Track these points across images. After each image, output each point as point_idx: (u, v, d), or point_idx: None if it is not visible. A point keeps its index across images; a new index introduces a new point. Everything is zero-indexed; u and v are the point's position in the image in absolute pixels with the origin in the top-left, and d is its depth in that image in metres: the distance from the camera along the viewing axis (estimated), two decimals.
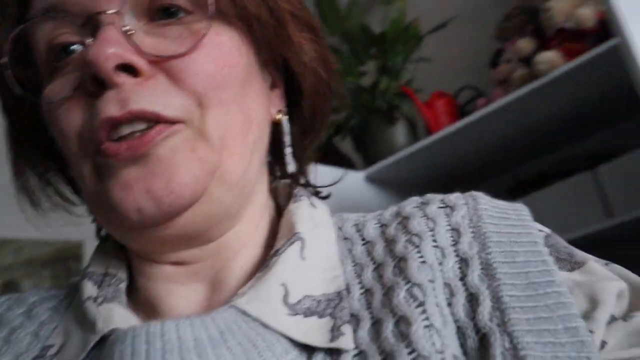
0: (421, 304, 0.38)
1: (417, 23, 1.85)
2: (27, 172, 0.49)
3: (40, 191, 0.50)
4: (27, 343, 0.45)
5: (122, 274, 0.47)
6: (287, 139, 0.50)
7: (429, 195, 0.50)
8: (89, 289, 0.45)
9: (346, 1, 2.00)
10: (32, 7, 0.42)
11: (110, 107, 0.38)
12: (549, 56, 1.53)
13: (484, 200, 0.48)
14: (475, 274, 0.41)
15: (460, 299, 0.40)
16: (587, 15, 1.50)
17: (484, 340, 0.37)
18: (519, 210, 0.47)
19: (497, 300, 0.39)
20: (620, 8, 1.15)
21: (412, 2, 2.00)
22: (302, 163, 0.53)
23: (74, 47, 0.41)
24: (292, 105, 0.51)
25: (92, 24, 0.39)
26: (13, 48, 0.43)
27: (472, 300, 0.40)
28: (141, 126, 0.38)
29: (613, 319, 0.39)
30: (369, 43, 1.86)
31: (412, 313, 0.38)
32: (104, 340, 0.40)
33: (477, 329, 0.38)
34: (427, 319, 0.38)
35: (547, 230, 0.47)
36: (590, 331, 0.37)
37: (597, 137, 1.75)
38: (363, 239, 0.47)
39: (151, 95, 0.39)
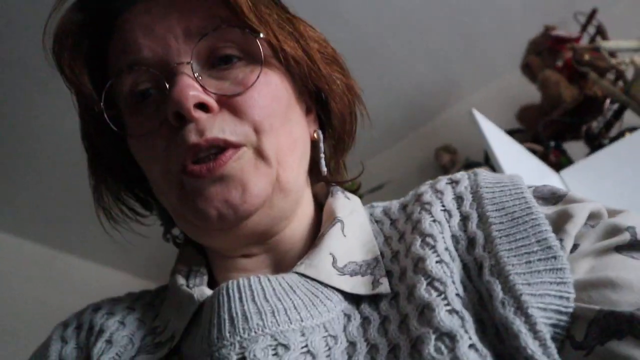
0: (433, 247, 0.48)
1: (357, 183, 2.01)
2: (104, 193, 0.61)
3: (114, 207, 0.62)
4: (137, 325, 0.57)
5: (204, 270, 0.58)
6: (321, 146, 0.61)
7: (439, 177, 0.60)
8: (180, 280, 0.57)
9: None
10: (116, 64, 0.54)
11: (192, 136, 0.49)
12: None
13: (484, 173, 0.57)
14: (473, 224, 0.50)
15: (464, 243, 0.49)
16: None
17: (480, 267, 0.46)
18: (513, 177, 0.55)
19: (488, 236, 0.48)
20: None
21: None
22: (337, 168, 0.66)
23: (152, 91, 0.52)
24: (325, 125, 0.63)
25: (167, 73, 0.51)
26: (105, 97, 0.54)
27: (471, 242, 0.49)
28: (214, 150, 0.49)
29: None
30: None
31: (426, 253, 0.48)
32: (200, 310, 0.51)
33: (476, 261, 0.47)
34: (438, 256, 0.47)
35: (543, 188, 0.55)
36: (560, 239, 0.46)
37: None
38: (390, 219, 0.59)
39: (220, 126, 0.50)
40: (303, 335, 0.46)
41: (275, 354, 0.44)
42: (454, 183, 0.57)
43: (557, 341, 0.42)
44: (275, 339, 0.45)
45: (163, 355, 0.51)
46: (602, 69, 1.56)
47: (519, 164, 1.36)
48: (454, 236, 0.51)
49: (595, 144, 1.56)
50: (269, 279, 0.49)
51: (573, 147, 1.74)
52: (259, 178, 0.51)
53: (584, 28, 1.83)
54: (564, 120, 1.61)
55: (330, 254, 0.53)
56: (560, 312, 0.42)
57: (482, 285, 0.45)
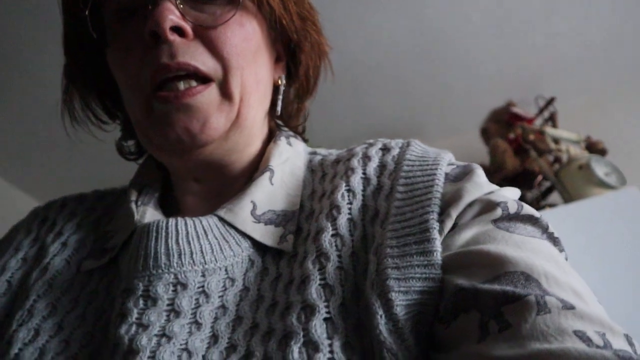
0: (334, 220, 0.51)
1: None
2: (75, 96, 0.65)
3: (81, 111, 0.66)
4: (92, 228, 0.63)
5: (157, 186, 0.63)
6: (281, 90, 0.65)
7: (379, 139, 0.62)
8: (133, 194, 0.61)
9: None
10: None
11: (164, 56, 0.52)
12: None
13: (415, 146, 0.58)
14: (382, 196, 0.52)
15: (371, 214, 0.52)
16: None
17: (372, 241, 0.49)
18: (440, 153, 0.56)
19: (387, 212, 0.50)
20: None
21: None
22: (297, 114, 0.71)
23: (136, 12, 0.55)
24: (292, 74, 0.68)
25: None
26: (90, 8, 0.57)
27: (376, 214, 0.51)
28: (182, 73, 0.52)
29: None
30: None
31: (326, 226, 0.51)
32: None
33: (373, 234, 0.49)
34: (335, 229, 0.50)
35: (459, 163, 0.55)
36: (442, 221, 0.47)
37: None
38: (322, 172, 0.61)
39: (192, 54, 0.53)
40: (203, 276, 0.50)
41: (174, 291, 0.49)
42: (386, 150, 0.59)
43: (428, 317, 0.43)
44: (177, 278, 0.49)
45: (103, 264, 0.57)
46: (542, 150, 1.81)
47: None
48: (365, 205, 0.53)
49: None
50: (186, 222, 0.52)
51: None
52: (220, 115, 0.54)
53: (540, 112, 2.08)
54: (500, 184, 1.84)
55: (252, 201, 0.56)
56: (426, 292, 0.43)
57: (367, 259, 0.48)
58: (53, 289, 0.55)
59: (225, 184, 0.62)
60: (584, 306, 0.37)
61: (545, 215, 1.61)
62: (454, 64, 2.16)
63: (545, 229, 0.47)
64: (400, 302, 0.42)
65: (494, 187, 0.51)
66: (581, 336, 0.35)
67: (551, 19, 1.98)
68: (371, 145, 0.60)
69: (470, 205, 0.48)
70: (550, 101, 2.06)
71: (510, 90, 2.27)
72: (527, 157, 1.88)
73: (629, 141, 2.22)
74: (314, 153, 0.67)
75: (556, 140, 1.90)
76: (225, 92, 0.55)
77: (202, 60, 0.53)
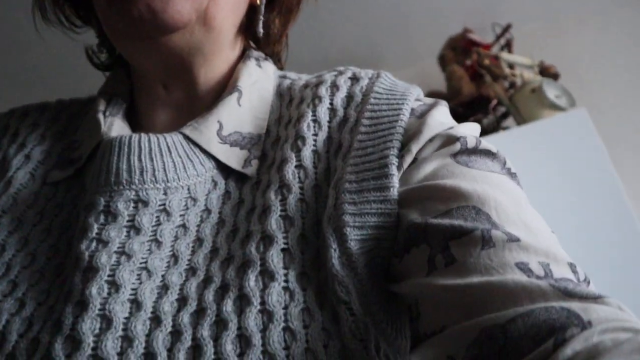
0: (299, 151, 0.51)
1: None
2: None
3: (52, 12, 0.62)
4: (57, 138, 0.62)
5: (125, 97, 0.61)
6: (262, 9, 0.61)
7: (349, 68, 0.60)
8: (102, 104, 0.59)
9: None
10: None
11: None
12: None
13: (384, 78, 0.57)
14: (347, 128, 0.52)
15: (335, 146, 0.52)
16: None
17: (334, 175, 0.49)
18: (408, 88, 0.55)
19: (350, 145, 0.50)
20: None
21: None
22: (279, 37, 0.67)
23: None
24: None
25: None
26: None
27: (339, 147, 0.52)
28: None
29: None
30: None
31: (290, 156, 0.51)
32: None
33: (336, 167, 0.50)
34: (299, 160, 0.51)
35: (426, 100, 0.55)
36: (402, 156, 0.48)
37: None
38: (290, 96, 0.59)
39: None
40: (165, 194, 0.49)
41: (135, 208, 0.48)
42: (355, 80, 0.58)
43: (383, 251, 0.45)
44: (138, 195, 0.48)
45: (68, 175, 0.56)
46: (497, 75, 1.85)
47: None
48: (330, 137, 0.53)
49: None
50: (149, 139, 0.51)
51: None
52: (186, 0, 0.51)
53: (497, 38, 2.11)
54: (457, 109, 1.89)
55: (218, 121, 0.55)
56: (381, 227, 0.45)
57: (328, 192, 0.49)
58: (18, 203, 0.54)
59: (192, 98, 0.60)
60: (531, 238, 0.39)
61: (499, 137, 1.67)
62: None
63: (503, 164, 0.48)
64: (354, 236, 0.44)
65: (454, 123, 0.52)
66: (522, 268, 0.36)
67: None
68: (340, 73, 0.59)
69: (430, 140, 0.49)
70: (506, 28, 2.09)
71: (468, 18, 2.29)
72: (482, 83, 1.93)
73: (580, 65, 2.29)
74: (284, 77, 0.65)
75: (511, 66, 1.94)
76: None
77: None
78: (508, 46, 2.08)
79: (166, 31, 0.52)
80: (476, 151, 0.48)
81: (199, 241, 0.49)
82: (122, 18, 0.51)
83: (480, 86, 1.93)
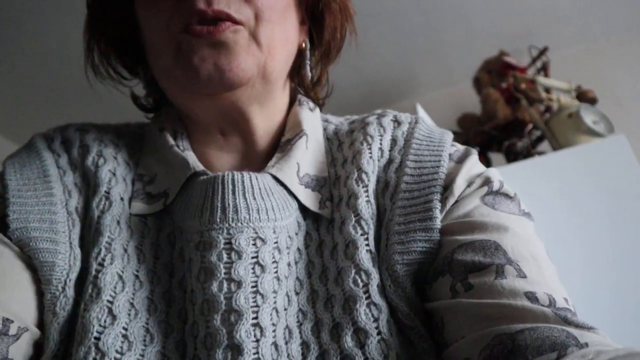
0: (366, 186, 0.55)
1: None
2: (95, 50, 0.63)
3: (101, 66, 0.64)
4: (126, 165, 0.59)
5: (186, 133, 0.62)
6: (307, 54, 0.64)
7: (387, 110, 0.66)
8: (170, 139, 0.59)
9: None
10: None
11: (200, 3, 0.51)
12: None
13: (422, 124, 0.63)
14: (393, 168, 0.57)
15: (382, 185, 0.57)
16: None
17: (384, 215, 0.54)
18: (444, 134, 0.61)
19: (397, 186, 0.55)
20: None
21: None
22: (319, 79, 0.70)
23: None
24: (316, 38, 0.67)
25: None
26: None
27: (386, 186, 0.56)
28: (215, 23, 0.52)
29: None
30: None
31: (359, 191, 0.55)
32: (191, 176, 0.55)
33: (385, 207, 0.55)
34: (368, 196, 0.55)
35: (459, 146, 0.61)
36: (446, 197, 0.53)
37: None
38: (339, 141, 0.64)
39: (228, 2, 0.52)
40: (274, 232, 0.51)
41: (254, 245, 0.49)
42: (397, 123, 0.63)
43: (425, 272, 0.52)
44: (256, 232, 0.50)
45: (158, 210, 0.55)
46: (533, 99, 1.84)
47: None
48: (378, 176, 0.57)
49: (511, 158, 1.85)
50: (256, 178, 0.53)
51: (495, 157, 2.03)
52: (248, 56, 0.53)
53: (533, 61, 2.10)
54: (492, 132, 1.88)
55: (297, 163, 0.57)
56: (426, 253, 0.51)
57: (380, 232, 0.53)
58: (121, 229, 0.53)
59: (250, 143, 0.61)
60: (538, 272, 0.46)
61: (535, 162, 1.66)
62: (448, 15, 2.16)
63: (519, 206, 0.55)
64: (403, 272, 0.50)
65: (485, 168, 0.58)
66: (530, 296, 0.43)
67: None
68: (382, 115, 0.64)
69: (469, 185, 0.55)
70: (543, 51, 2.07)
71: (504, 41, 2.28)
72: (518, 107, 1.91)
73: (618, 90, 2.25)
74: (326, 121, 0.68)
75: (547, 90, 1.92)
76: (255, 38, 0.54)
77: (235, 7, 0.53)
78: (544, 70, 2.06)
79: (232, 88, 0.54)
80: (499, 193, 0.55)
81: (299, 282, 0.52)
82: (189, 75, 0.53)
83: (516, 110, 1.91)
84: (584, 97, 1.90)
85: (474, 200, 0.54)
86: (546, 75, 2.05)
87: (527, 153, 1.86)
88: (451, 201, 0.54)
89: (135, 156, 0.62)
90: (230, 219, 0.49)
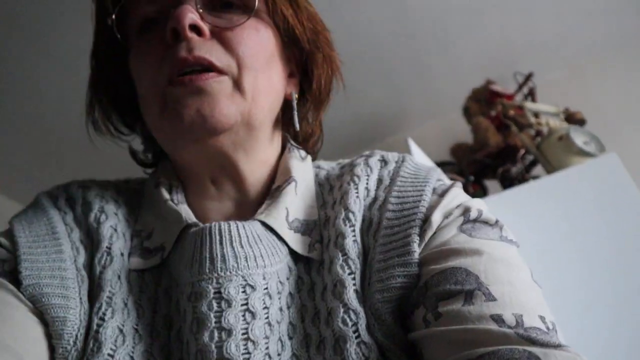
0: (353, 226, 0.56)
1: None
2: (97, 109, 0.66)
3: (103, 125, 0.66)
4: (125, 220, 0.61)
5: (181, 187, 0.63)
6: (294, 106, 0.65)
7: (376, 151, 0.67)
8: (165, 193, 0.61)
9: None
10: None
11: (182, 51, 0.54)
12: None
13: (409, 162, 0.64)
14: (376, 206, 0.58)
15: (367, 223, 0.57)
16: None
17: (367, 253, 0.55)
18: (430, 171, 0.62)
19: (379, 223, 0.55)
20: None
21: None
22: (312, 135, 0.71)
23: (159, 20, 0.58)
24: (305, 89, 0.69)
25: (175, 2, 0.56)
26: (117, 14, 0.59)
27: (370, 224, 0.57)
28: (198, 68, 0.54)
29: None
30: None
31: (346, 231, 0.55)
32: (184, 229, 0.56)
33: (369, 245, 0.55)
34: (354, 235, 0.55)
35: (446, 181, 0.62)
36: (425, 230, 0.53)
37: None
38: (330, 185, 0.65)
39: (209, 50, 0.55)
40: (264, 278, 0.52)
41: (244, 292, 0.50)
42: (384, 163, 0.64)
43: (404, 304, 0.52)
44: (245, 280, 0.51)
45: (156, 264, 0.56)
46: (523, 125, 1.86)
47: None
48: (364, 216, 0.58)
49: (506, 184, 1.86)
50: (243, 227, 0.54)
51: (491, 184, 2.05)
52: (231, 104, 0.55)
53: (519, 87, 2.13)
54: (485, 160, 1.90)
55: (286, 208, 0.58)
56: (403, 288, 0.51)
57: (364, 270, 0.54)
58: (121, 284, 0.54)
59: (241, 190, 0.63)
60: (511, 294, 0.46)
61: (530, 187, 1.67)
62: (433, 48, 2.21)
63: (500, 231, 0.55)
64: (385, 309, 0.50)
65: (468, 198, 0.59)
66: (496, 319, 0.43)
67: None
68: (370, 156, 0.65)
69: (447, 216, 0.55)
70: (528, 77, 2.11)
71: (489, 69, 2.32)
72: (509, 133, 1.93)
73: (606, 110, 2.28)
74: (318, 167, 0.70)
75: (536, 114, 1.95)
76: (238, 86, 0.56)
77: (217, 56, 0.55)
78: (531, 95, 2.10)
79: (214, 133, 0.55)
80: (477, 221, 0.55)
81: (292, 326, 0.52)
82: (173, 123, 0.55)
83: (507, 136, 1.93)
84: (573, 118, 1.93)
85: (451, 230, 0.54)
86: (534, 100, 2.08)
87: (522, 178, 1.88)
88: (429, 234, 0.54)
89: (134, 212, 0.63)
90: (219, 269, 0.51)
